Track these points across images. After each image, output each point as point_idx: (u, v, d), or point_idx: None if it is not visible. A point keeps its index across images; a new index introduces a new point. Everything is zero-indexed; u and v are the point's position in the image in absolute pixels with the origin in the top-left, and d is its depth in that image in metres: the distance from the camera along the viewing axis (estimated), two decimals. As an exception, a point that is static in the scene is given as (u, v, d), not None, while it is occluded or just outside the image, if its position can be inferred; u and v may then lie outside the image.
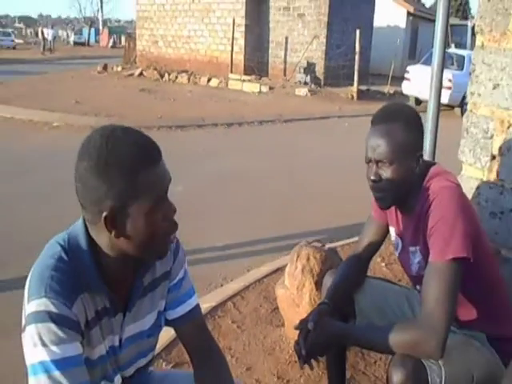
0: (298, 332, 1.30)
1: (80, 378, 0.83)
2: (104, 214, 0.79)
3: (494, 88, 1.69)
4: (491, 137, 1.70)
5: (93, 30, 38.17)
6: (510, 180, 1.62)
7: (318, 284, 1.89)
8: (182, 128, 7.20)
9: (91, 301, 0.87)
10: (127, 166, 0.78)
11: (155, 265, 0.96)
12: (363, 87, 12.14)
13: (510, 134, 1.62)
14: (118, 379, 0.97)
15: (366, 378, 1.81)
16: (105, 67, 14.96)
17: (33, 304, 0.80)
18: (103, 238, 0.83)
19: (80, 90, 10.19)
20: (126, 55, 17.55)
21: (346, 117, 8.88)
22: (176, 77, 13.63)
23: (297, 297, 1.97)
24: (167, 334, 1.83)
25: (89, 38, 35.82)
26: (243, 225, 3.65)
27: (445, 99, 9.29)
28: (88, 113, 7.55)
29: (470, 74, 1.82)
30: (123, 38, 25.41)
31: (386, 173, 1.21)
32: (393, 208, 1.36)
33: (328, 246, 2.43)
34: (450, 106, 9.48)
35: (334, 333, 1.25)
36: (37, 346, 0.79)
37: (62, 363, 0.80)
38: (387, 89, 12.35)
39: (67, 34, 41.12)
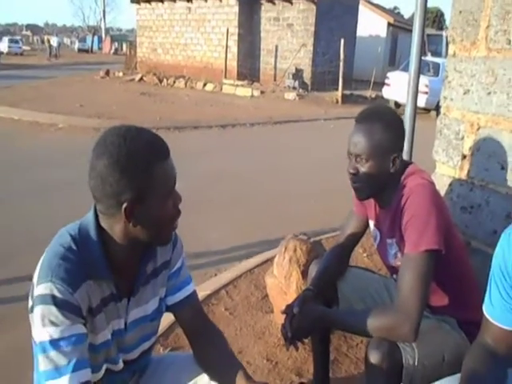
0: (285, 317, 1.30)
1: (84, 355, 0.84)
2: (124, 205, 0.82)
3: (465, 93, 1.70)
4: (462, 138, 1.71)
5: (96, 37, 37.80)
6: (479, 178, 1.64)
7: (304, 273, 1.90)
8: (179, 129, 7.18)
9: (97, 288, 0.88)
10: (144, 161, 0.82)
11: (156, 255, 0.97)
12: (347, 92, 12.18)
13: (479, 136, 1.64)
14: (121, 362, 0.97)
15: (349, 359, 1.82)
16: (107, 73, 14.83)
17: (40, 287, 0.82)
18: (118, 228, 0.86)
19: (84, 93, 10.09)
20: (127, 61, 17.42)
21: (332, 119, 8.90)
22: (174, 82, 13.58)
23: (285, 285, 1.98)
24: (164, 320, 1.82)
25: (92, 45, 35.47)
26: (236, 219, 3.65)
27: (421, 103, 9.34)
28: (91, 115, 7.48)
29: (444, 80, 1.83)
30: (124, 46, 25.18)
31: (363, 167, 1.23)
32: (372, 203, 1.37)
33: (313, 238, 2.45)
34: (427, 110, 9.54)
35: (317, 317, 1.26)
36: (45, 326, 0.81)
37: (67, 340, 0.81)
38: (369, 93, 12.40)
39: (71, 42, 40.62)
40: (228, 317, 2.14)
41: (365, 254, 2.68)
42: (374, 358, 1.11)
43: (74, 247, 0.85)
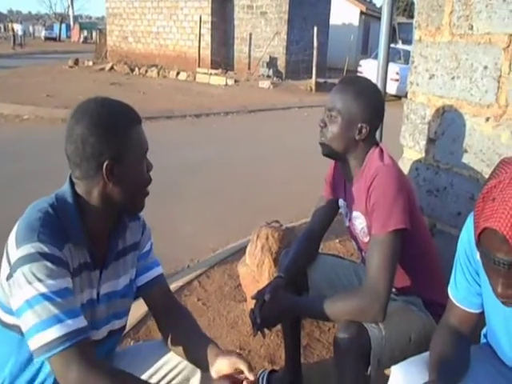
0: (255, 302, 1.30)
1: (76, 305, 0.86)
2: (105, 163, 0.86)
3: (430, 78, 1.71)
4: (428, 122, 1.72)
5: (64, 25, 36.44)
6: (445, 161, 1.66)
7: (276, 261, 1.90)
8: (151, 119, 7.01)
9: (76, 252, 0.90)
10: (122, 123, 0.89)
11: (126, 233, 1.00)
12: (321, 80, 12.22)
13: (444, 120, 1.65)
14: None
15: (321, 344, 1.84)
16: (76, 62, 14.36)
17: (24, 248, 0.82)
18: (96, 191, 0.89)
19: (51, 83, 9.74)
20: (97, 50, 16.90)
21: (306, 107, 8.92)
22: (146, 71, 13.28)
23: (257, 273, 1.98)
24: (135, 313, 1.80)
25: (60, 33, 34.19)
26: (210, 209, 3.62)
27: (393, 90, 9.48)
28: (59, 106, 7.23)
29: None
30: (94, 34, 24.40)
31: (330, 124, 1.26)
32: (342, 179, 1.38)
33: (287, 225, 2.45)
34: (398, 97, 9.67)
35: (287, 304, 1.26)
36: (33, 283, 0.80)
37: (60, 293, 0.82)
38: (342, 81, 12.45)
39: (38, 30, 39.02)
40: (201, 307, 2.12)
41: (337, 240, 2.71)
42: (343, 341, 1.11)
43: (53, 212, 0.87)
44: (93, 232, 0.92)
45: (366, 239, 1.27)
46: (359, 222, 1.32)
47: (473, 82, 1.54)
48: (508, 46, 1.42)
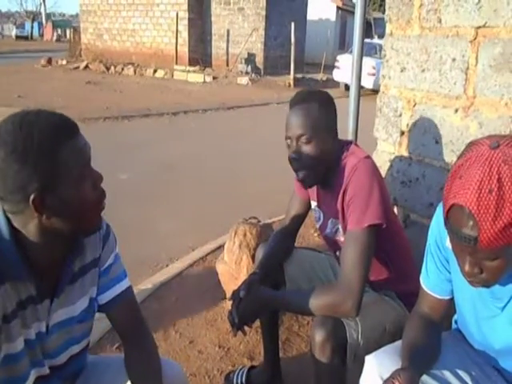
0: (231, 302, 1.29)
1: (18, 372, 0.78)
2: (31, 197, 0.74)
3: (402, 71, 1.73)
4: (400, 115, 1.75)
5: (36, 23, 35.47)
6: (417, 153, 1.69)
7: (255, 257, 1.90)
8: (128, 118, 6.95)
9: (13, 292, 0.80)
10: (45, 145, 0.74)
11: (85, 251, 0.91)
12: (299, 75, 12.29)
13: (415, 112, 1.68)
14: (47, 367, 0.90)
15: (300, 338, 1.85)
16: (49, 61, 14.02)
17: None
18: (32, 225, 0.78)
19: (23, 84, 9.47)
20: (71, 49, 16.53)
21: (284, 103, 8.89)
22: (122, 69, 13.09)
23: (235, 271, 1.98)
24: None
25: (32, 31, 33.25)
26: (188, 207, 3.60)
27: (369, 85, 9.60)
28: (31, 107, 7.01)
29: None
30: (68, 32, 23.84)
31: (306, 149, 1.20)
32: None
33: (265, 221, 2.45)
34: (375, 91, 9.80)
35: (263, 299, 1.26)
36: None
37: None
38: (320, 76, 12.57)
39: (8, 28, 37.87)
40: (179, 307, 2.11)
41: (316, 234, 2.72)
42: (319, 336, 1.12)
43: None
44: (39, 264, 0.81)
45: (342, 238, 1.28)
46: (331, 226, 1.33)
47: (442, 75, 1.57)
48: (475, 39, 1.45)
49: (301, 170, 1.23)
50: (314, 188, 1.37)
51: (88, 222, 0.84)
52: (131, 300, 1.02)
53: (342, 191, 1.21)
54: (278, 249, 1.45)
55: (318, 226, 1.43)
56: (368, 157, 1.25)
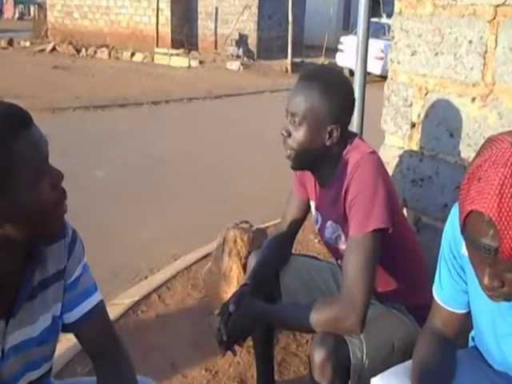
0: (220, 318, 1.30)
1: None
2: None
3: (412, 55, 1.74)
4: (411, 104, 1.76)
5: (-6, -1, 35.17)
6: (429, 147, 1.70)
7: (246, 267, 1.90)
8: (102, 108, 6.93)
9: None
10: None
11: (46, 262, 0.90)
12: (297, 59, 12.32)
13: (428, 101, 1.69)
14: None
15: (298, 359, 1.86)
16: (10, 42, 13.95)
17: None
18: None
19: (-20, 68, 9.42)
20: (36, 28, 16.45)
21: (280, 91, 8.91)
22: (95, 52, 13.07)
23: (224, 282, 1.99)
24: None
25: (-10, 8, 32.98)
26: (171, 210, 3.59)
27: (377, 70, 9.64)
28: (-11, 95, 7.00)
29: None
30: (32, 9, 23.68)
31: (294, 131, 1.23)
32: (312, 181, 1.38)
33: (258, 226, 2.45)
34: (383, 77, 9.86)
35: (255, 313, 1.27)
36: None
37: None
38: (322, 60, 12.60)
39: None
40: (160, 324, 2.11)
41: (316, 240, 2.73)
42: (319, 355, 1.12)
43: None
44: None
45: (343, 246, 1.29)
46: (331, 231, 1.33)
47: (457, 59, 1.58)
48: (493, 19, 1.47)
49: (288, 149, 1.26)
50: (312, 185, 1.38)
51: (47, 228, 0.82)
52: (103, 317, 1.01)
53: (343, 191, 1.22)
54: (272, 256, 1.46)
55: (316, 229, 1.44)
56: (373, 152, 1.26)
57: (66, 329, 0.97)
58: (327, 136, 1.23)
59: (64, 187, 0.83)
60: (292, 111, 1.23)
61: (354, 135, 1.32)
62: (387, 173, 1.33)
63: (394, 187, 1.33)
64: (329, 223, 1.34)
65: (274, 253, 1.47)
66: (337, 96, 1.23)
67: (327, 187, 1.31)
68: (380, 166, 1.24)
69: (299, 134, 1.23)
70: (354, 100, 1.31)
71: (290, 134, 1.24)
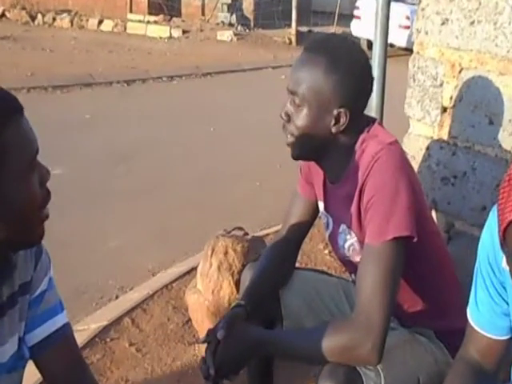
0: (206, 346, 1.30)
1: None
2: None
3: (443, 24, 1.76)
4: (441, 84, 1.78)
5: None
6: (464, 137, 1.72)
7: (240, 284, 1.91)
8: (62, 89, 6.95)
9: None
10: None
11: (13, 274, 0.93)
12: (304, 28, 12.32)
13: (461, 81, 1.71)
14: None
15: (303, 396, 1.87)
16: (-52, 7, 13.92)
17: None
18: None
19: None
20: (-20, -11, 16.43)
21: (283, 67, 8.87)
22: (53, 19, 13.06)
23: (213, 303, 2.00)
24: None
25: None
26: (146, 215, 3.60)
27: (402, 41, 9.66)
28: None
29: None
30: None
31: (295, 114, 1.26)
32: (321, 176, 1.39)
33: (254, 234, 2.46)
34: (409, 50, 9.88)
35: (249, 342, 1.27)
36: None
37: None
38: (333, 29, 12.59)
39: None
40: (134, 355, 2.12)
41: (326, 251, 2.75)
42: None
43: None
44: None
45: (358, 258, 1.30)
46: (344, 238, 1.34)
47: (498, 29, 1.60)
48: (542, -22, 1.48)
49: (287, 135, 1.28)
50: (321, 182, 1.39)
51: (28, 231, 0.88)
52: (70, 343, 1.04)
53: (358, 189, 1.23)
54: (272, 271, 1.46)
55: (327, 236, 1.45)
56: (394, 142, 1.27)
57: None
58: (333, 121, 1.24)
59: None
60: (292, 89, 1.25)
61: (372, 121, 1.33)
62: (412, 168, 1.34)
63: (420, 186, 1.34)
64: (342, 228, 1.35)
65: (273, 266, 1.47)
66: (347, 73, 1.24)
67: (338, 184, 1.32)
68: (403, 159, 1.25)
69: (299, 118, 1.25)
70: (371, 79, 1.31)
71: (289, 118, 1.26)
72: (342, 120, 1.24)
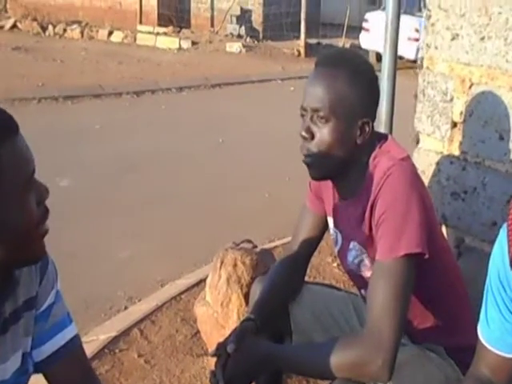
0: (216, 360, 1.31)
1: None
2: None
3: (453, 39, 1.76)
4: (451, 99, 1.78)
5: None
6: (474, 152, 1.71)
7: (248, 297, 1.92)
8: (72, 99, 6.99)
9: None
10: None
11: (17, 289, 0.93)
12: (312, 40, 12.37)
13: (472, 96, 1.71)
14: None
15: (312, 411, 1.86)
16: (-39, 17, 14.10)
17: None
18: None
19: None
20: (-8, 1, 16.64)
21: (292, 79, 8.97)
22: (64, 30, 13.18)
23: (221, 315, 1.99)
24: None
25: None
26: (156, 225, 3.61)
27: (411, 54, 9.66)
28: None
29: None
30: (-13, -23, 23.97)
31: (320, 131, 1.24)
32: (330, 192, 1.39)
33: (263, 246, 2.47)
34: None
35: (259, 356, 1.27)
36: None
37: None
38: (342, 42, 12.64)
39: None
40: (143, 366, 2.12)
41: (335, 264, 2.75)
42: None
43: None
44: None
45: (368, 273, 1.30)
46: (355, 254, 1.35)
47: (508, 44, 1.60)
48: (552, -5, 1.49)
49: (309, 155, 1.27)
50: (331, 197, 1.40)
51: (27, 250, 0.87)
52: (79, 355, 1.04)
53: (369, 205, 1.23)
54: (281, 285, 1.47)
55: (336, 251, 1.45)
56: (406, 158, 1.28)
57: (35, 368, 1.00)
58: (358, 132, 1.25)
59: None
60: (313, 106, 1.24)
61: (385, 136, 1.34)
62: (423, 184, 1.34)
63: (431, 201, 1.34)
64: (352, 244, 1.35)
65: (283, 280, 1.47)
66: (368, 84, 1.27)
67: (351, 201, 1.32)
68: (414, 175, 1.26)
69: (326, 132, 1.24)
70: (379, 89, 1.35)
71: (313, 136, 1.25)
72: (367, 130, 1.26)
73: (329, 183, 1.38)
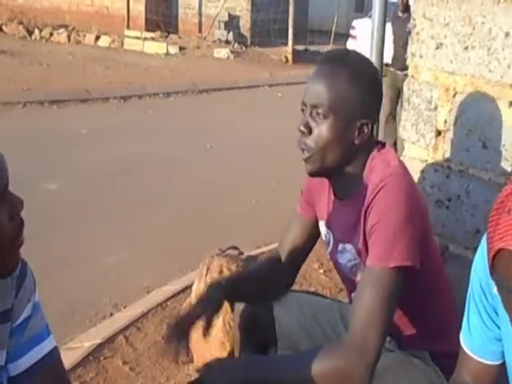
0: None
1: None
2: None
3: (438, 48, 1.78)
4: (435, 108, 1.80)
5: None
6: (458, 160, 1.73)
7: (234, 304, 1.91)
8: (58, 104, 6.97)
9: None
10: None
11: None
12: (300, 47, 12.45)
13: (456, 104, 1.73)
14: None
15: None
16: None
17: None
18: None
19: None
20: (-22, 4, 16.51)
21: (279, 85, 9.06)
22: (51, 34, 13.11)
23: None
24: None
25: None
26: (141, 232, 3.60)
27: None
28: None
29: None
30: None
31: (318, 127, 1.24)
32: (325, 192, 1.39)
33: (248, 253, 2.47)
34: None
35: (233, 372, 1.19)
36: None
37: None
38: (330, 48, 12.72)
39: None
40: (128, 374, 2.11)
41: (321, 270, 2.76)
42: None
43: None
44: None
45: (358, 277, 1.30)
46: (347, 257, 1.34)
47: (491, 54, 1.62)
48: (534, 6, 1.52)
49: (306, 149, 1.27)
50: (325, 197, 1.39)
51: (3, 262, 0.86)
52: (57, 369, 1.02)
53: (363, 210, 1.23)
54: (261, 274, 1.50)
55: (327, 252, 1.45)
56: (402, 165, 1.29)
57: (12, 382, 0.97)
58: (356, 132, 1.25)
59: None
60: (313, 103, 1.24)
61: (382, 143, 1.34)
62: (418, 190, 1.34)
63: (426, 207, 1.35)
64: (341, 246, 1.35)
65: (263, 271, 1.51)
66: (370, 85, 1.27)
67: (348, 200, 1.32)
68: (409, 183, 1.26)
69: (324, 130, 1.24)
70: (382, 92, 1.34)
71: (310, 131, 1.25)
72: (365, 131, 1.26)
73: (325, 183, 1.37)
